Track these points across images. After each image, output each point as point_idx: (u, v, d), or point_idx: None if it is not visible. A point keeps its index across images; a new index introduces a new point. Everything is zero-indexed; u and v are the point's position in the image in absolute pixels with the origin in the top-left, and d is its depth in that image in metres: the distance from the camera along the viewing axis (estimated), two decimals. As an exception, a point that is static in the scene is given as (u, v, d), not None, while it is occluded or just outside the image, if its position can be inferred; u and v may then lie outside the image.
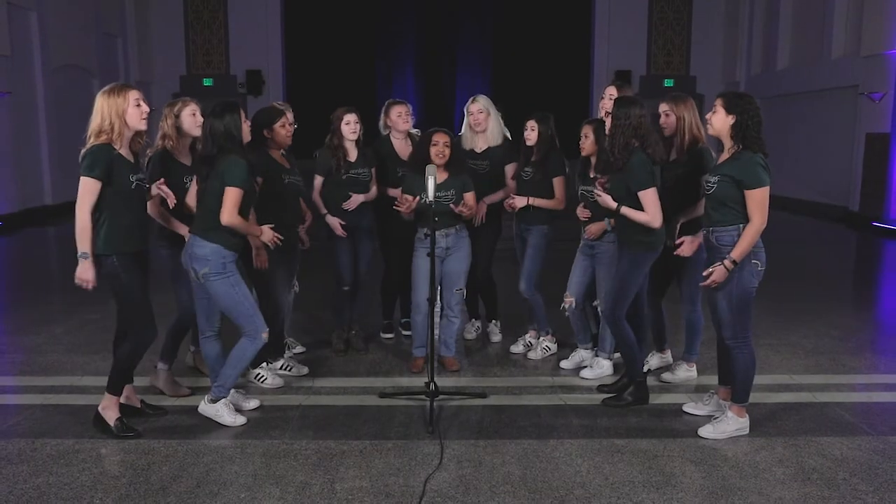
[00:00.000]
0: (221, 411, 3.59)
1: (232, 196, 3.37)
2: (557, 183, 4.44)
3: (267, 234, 3.66)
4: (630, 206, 3.70)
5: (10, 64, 11.40)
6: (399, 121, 4.71)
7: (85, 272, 3.32)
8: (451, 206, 4.18)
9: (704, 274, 3.36)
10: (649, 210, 3.67)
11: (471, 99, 4.75)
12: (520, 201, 4.44)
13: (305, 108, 6.61)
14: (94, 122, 3.30)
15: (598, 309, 4.31)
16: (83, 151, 3.28)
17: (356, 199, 4.51)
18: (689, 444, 3.42)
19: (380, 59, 17.33)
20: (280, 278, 4.14)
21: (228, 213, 3.39)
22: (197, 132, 3.74)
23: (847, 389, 4.20)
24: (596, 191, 3.83)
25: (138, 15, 15.98)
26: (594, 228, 4.15)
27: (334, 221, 4.49)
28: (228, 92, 15.66)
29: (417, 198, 4.09)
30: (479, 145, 4.76)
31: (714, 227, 3.37)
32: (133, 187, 3.34)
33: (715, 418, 3.57)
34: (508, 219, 4.78)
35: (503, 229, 4.95)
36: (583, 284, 4.34)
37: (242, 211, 3.45)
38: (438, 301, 4.35)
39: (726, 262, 3.28)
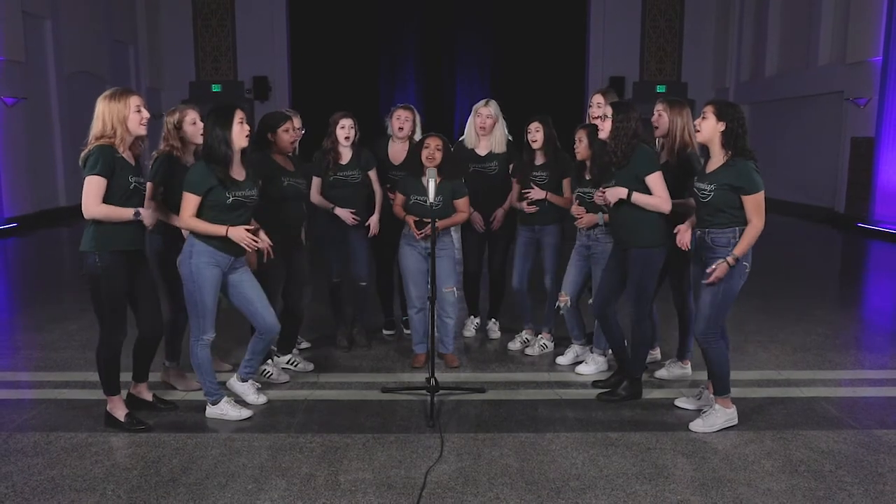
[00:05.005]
0: (225, 409, 3.66)
1: (184, 200, 3.42)
2: (566, 183, 4.54)
3: (235, 232, 3.43)
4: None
5: (25, 70, 11.52)
6: (395, 125, 4.80)
7: (146, 214, 3.38)
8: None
9: (708, 271, 3.40)
10: (659, 192, 3.72)
11: (483, 101, 4.82)
12: (537, 193, 4.51)
13: (310, 112, 6.70)
14: (96, 127, 3.33)
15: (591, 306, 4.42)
16: (85, 153, 3.31)
17: (374, 223, 4.64)
18: (681, 437, 3.49)
19: (383, 65, 17.57)
20: (277, 278, 4.18)
21: (181, 217, 3.44)
22: (199, 140, 3.77)
23: (833, 385, 4.30)
24: (599, 192, 3.85)
25: (149, 23, 16.19)
26: (586, 219, 4.20)
27: (344, 213, 4.56)
28: (236, 97, 15.92)
29: (428, 226, 4.13)
30: (482, 148, 4.83)
31: (710, 229, 3.44)
32: (131, 188, 3.36)
33: (704, 412, 3.64)
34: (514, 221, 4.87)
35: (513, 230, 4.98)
36: (578, 284, 4.42)
37: (217, 216, 3.44)
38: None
39: (729, 258, 3.35)
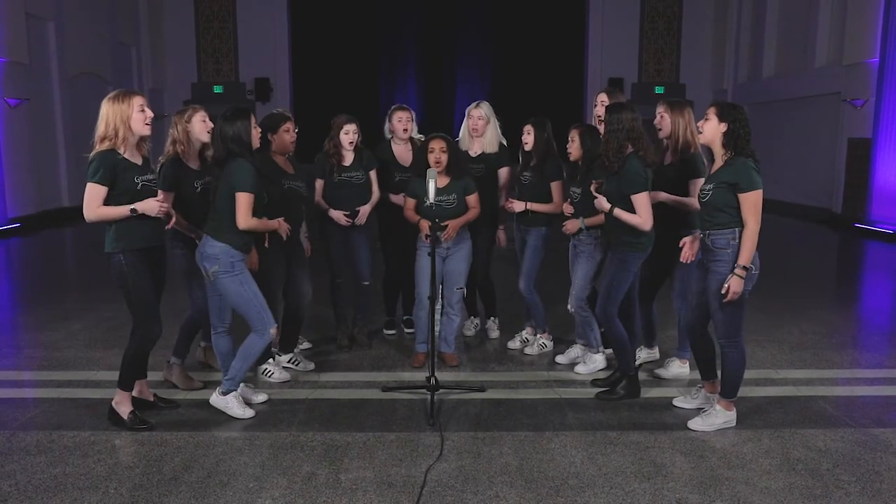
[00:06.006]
0: (231, 403, 3.68)
1: (243, 201, 3.49)
2: (555, 187, 4.56)
3: (283, 226, 3.82)
4: (623, 208, 3.83)
5: (29, 72, 11.59)
6: (398, 126, 4.85)
7: (149, 203, 3.39)
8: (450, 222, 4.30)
9: (723, 292, 3.38)
10: (641, 213, 3.81)
11: (474, 103, 4.86)
12: (518, 206, 4.57)
13: (311, 113, 6.75)
14: (100, 128, 3.37)
15: (569, 306, 4.43)
16: (89, 157, 3.35)
17: (364, 213, 4.64)
18: (679, 436, 3.52)
19: (383, 66, 17.71)
20: (279, 277, 4.23)
21: (243, 218, 3.51)
22: (206, 138, 3.83)
23: (830, 384, 4.33)
24: (594, 184, 3.93)
25: (151, 25, 16.31)
26: (570, 225, 4.28)
27: (338, 214, 4.61)
28: (237, 99, 16.05)
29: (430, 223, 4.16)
30: (475, 149, 4.88)
31: (710, 230, 3.46)
32: (139, 188, 3.39)
33: (704, 411, 3.67)
34: (509, 219, 4.89)
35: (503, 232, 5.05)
36: None
37: (254, 214, 3.56)
38: (439, 299, 4.45)
39: (737, 270, 3.35)
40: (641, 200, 3.79)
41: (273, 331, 3.68)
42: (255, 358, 3.72)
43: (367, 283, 4.88)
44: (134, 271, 3.43)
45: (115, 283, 3.49)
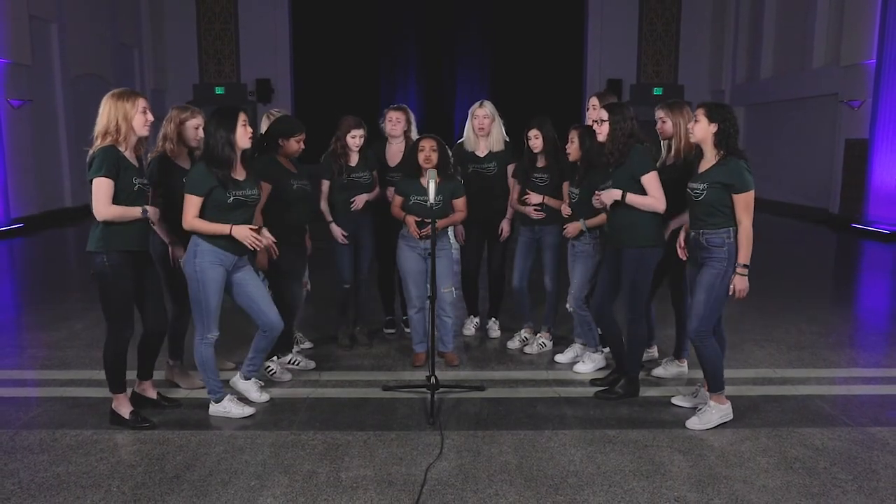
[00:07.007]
0: (228, 407, 3.70)
1: (187, 202, 3.45)
2: (566, 186, 4.57)
3: (239, 231, 3.47)
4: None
5: (32, 73, 11.67)
6: (389, 126, 4.90)
7: (152, 212, 3.43)
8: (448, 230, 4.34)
9: (730, 293, 3.44)
10: (654, 193, 3.76)
11: (478, 103, 4.88)
12: (534, 198, 4.57)
13: (312, 114, 6.77)
14: (101, 123, 3.36)
15: (567, 306, 4.45)
16: (90, 153, 3.34)
17: (361, 199, 4.66)
18: (677, 434, 3.53)
19: (383, 67, 17.84)
20: (289, 276, 4.24)
21: (185, 219, 3.47)
22: (195, 144, 3.83)
23: (827, 383, 4.35)
24: (595, 194, 3.91)
25: (153, 26, 16.42)
26: (571, 229, 4.31)
27: (337, 231, 4.66)
28: (239, 100, 16.17)
29: (424, 226, 4.22)
30: (481, 149, 4.90)
31: (704, 230, 3.49)
32: (135, 189, 3.39)
33: (699, 410, 3.69)
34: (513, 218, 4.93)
35: (512, 230, 5.06)
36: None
37: (218, 216, 3.47)
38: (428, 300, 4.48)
39: (739, 269, 3.41)
40: (652, 179, 3.76)
41: (211, 336, 3.63)
42: (209, 363, 3.67)
43: (363, 278, 4.93)
44: (115, 272, 3.40)
45: (94, 283, 3.45)
